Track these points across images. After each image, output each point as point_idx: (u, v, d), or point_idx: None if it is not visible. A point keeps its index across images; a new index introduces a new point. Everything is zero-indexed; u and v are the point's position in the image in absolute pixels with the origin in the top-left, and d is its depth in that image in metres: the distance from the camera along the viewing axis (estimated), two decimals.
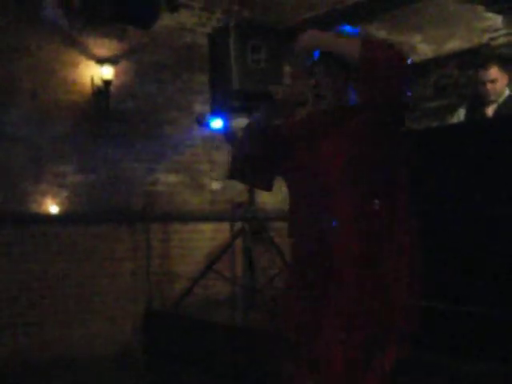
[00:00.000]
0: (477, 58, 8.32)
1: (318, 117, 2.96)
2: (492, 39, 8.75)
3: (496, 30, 8.26)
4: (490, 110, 5.73)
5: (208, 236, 8.06)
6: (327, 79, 2.88)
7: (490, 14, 7.19)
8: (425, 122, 6.73)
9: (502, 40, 8.47)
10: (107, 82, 7.34)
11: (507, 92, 5.73)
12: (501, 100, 5.70)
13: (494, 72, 5.63)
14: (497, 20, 7.22)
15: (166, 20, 7.56)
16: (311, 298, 2.86)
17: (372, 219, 2.80)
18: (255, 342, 5.79)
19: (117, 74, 7.44)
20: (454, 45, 9.16)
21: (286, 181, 3.11)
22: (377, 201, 2.80)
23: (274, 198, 8.54)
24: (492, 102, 5.69)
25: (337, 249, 2.78)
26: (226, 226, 7.58)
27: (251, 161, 3.06)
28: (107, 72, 7.34)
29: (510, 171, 4.25)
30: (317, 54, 2.86)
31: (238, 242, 7.16)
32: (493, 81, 5.62)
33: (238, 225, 7.10)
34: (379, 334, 2.74)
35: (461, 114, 5.95)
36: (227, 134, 6.81)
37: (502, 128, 4.59)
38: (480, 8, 7.00)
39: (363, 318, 2.73)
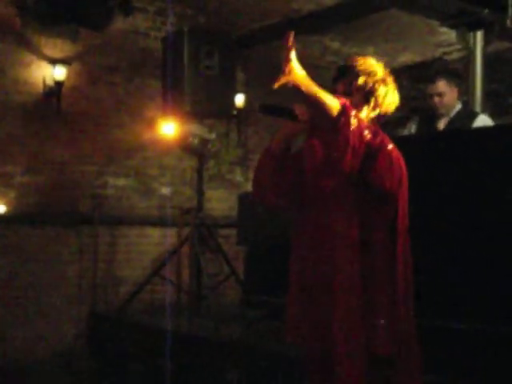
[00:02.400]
0: (430, 71, 8.43)
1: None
2: (445, 54, 8.89)
3: (450, 45, 8.38)
4: (441, 124, 5.77)
5: (155, 241, 8.03)
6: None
7: (444, 29, 7.28)
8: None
9: (455, 55, 8.61)
10: (59, 84, 7.27)
11: (459, 106, 5.78)
12: (452, 114, 5.73)
13: (441, 86, 5.66)
14: (451, 35, 7.31)
15: (120, 23, 7.52)
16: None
17: (370, 248, 2.85)
18: (200, 349, 5.78)
19: (69, 76, 7.37)
20: (406, 58, 9.27)
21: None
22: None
23: (222, 204, 8.56)
24: (442, 115, 5.73)
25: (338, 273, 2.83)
26: (173, 231, 7.53)
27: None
28: (59, 73, 7.27)
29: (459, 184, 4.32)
30: None
31: (186, 248, 7.13)
32: (440, 94, 5.65)
33: (186, 231, 7.08)
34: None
35: (412, 127, 6.00)
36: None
37: (451, 141, 4.67)
38: (434, 22, 7.08)
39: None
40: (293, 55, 2.68)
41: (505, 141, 4.28)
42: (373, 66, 3.02)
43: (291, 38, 2.70)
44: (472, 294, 4.18)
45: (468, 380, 4.02)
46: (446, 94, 5.67)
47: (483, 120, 5.63)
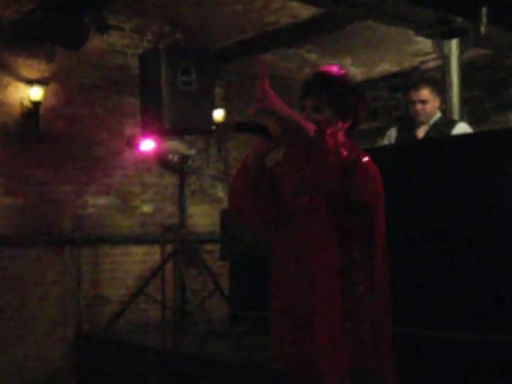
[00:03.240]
0: (407, 80, 8.47)
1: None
2: (422, 63, 8.94)
3: (426, 54, 8.44)
4: (420, 132, 5.75)
5: (139, 259, 7.99)
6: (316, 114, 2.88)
7: (420, 38, 7.32)
8: (360, 144, 6.80)
9: (432, 64, 8.66)
10: (36, 104, 7.25)
11: (438, 114, 5.77)
12: (431, 122, 5.72)
13: (425, 93, 5.66)
14: (427, 44, 7.35)
15: (96, 41, 7.49)
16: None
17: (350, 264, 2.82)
18: (186, 366, 5.76)
19: (46, 96, 7.34)
20: (384, 68, 9.32)
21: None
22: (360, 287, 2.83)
23: (205, 220, 8.54)
24: (422, 123, 5.71)
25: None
26: (157, 248, 7.52)
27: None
28: (36, 93, 7.25)
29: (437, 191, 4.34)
30: None
31: (170, 265, 7.12)
32: (423, 101, 5.64)
33: (169, 247, 7.06)
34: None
35: (391, 136, 6.00)
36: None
37: (431, 149, 4.68)
38: (410, 32, 7.11)
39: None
40: (266, 82, 2.62)
41: (484, 147, 4.32)
42: (339, 77, 2.94)
43: (264, 66, 2.64)
44: (444, 302, 4.21)
45: None
46: (429, 101, 5.67)
47: (462, 128, 5.65)
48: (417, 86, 5.75)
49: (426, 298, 4.28)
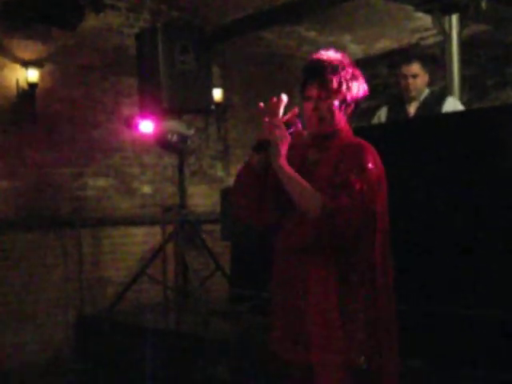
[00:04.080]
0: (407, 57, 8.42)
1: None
2: (422, 39, 8.87)
3: (426, 30, 8.36)
4: (412, 108, 5.86)
5: (139, 240, 7.98)
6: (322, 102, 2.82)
7: (419, 14, 7.26)
8: (355, 122, 6.76)
9: (432, 40, 8.59)
10: (33, 85, 7.21)
11: (427, 91, 5.87)
12: (421, 98, 5.83)
13: (416, 68, 5.78)
14: (426, 20, 7.28)
15: (92, 21, 7.43)
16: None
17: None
18: (188, 346, 5.75)
19: (42, 77, 7.31)
20: (383, 45, 9.25)
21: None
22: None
23: (205, 200, 8.52)
24: (413, 98, 5.82)
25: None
26: (157, 229, 7.50)
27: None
28: (32, 75, 7.21)
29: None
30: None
31: (170, 246, 7.10)
32: (414, 76, 5.76)
33: (170, 228, 7.04)
34: None
35: (381, 116, 6.06)
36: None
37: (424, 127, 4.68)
38: (409, 8, 7.05)
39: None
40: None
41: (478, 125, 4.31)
42: (340, 61, 2.85)
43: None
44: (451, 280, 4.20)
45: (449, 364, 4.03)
46: (420, 76, 5.79)
47: (452, 102, 5.76)
48: (408, 61, 5.87)
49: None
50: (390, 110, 6.03)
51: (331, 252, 2.74)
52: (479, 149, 4.21)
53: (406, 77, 5.78)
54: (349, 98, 2.84)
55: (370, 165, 2.73)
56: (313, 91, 2.83)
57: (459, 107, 5.74)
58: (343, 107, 2.85)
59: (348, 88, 2.83)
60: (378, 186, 2.76)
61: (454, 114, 5.28)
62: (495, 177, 4.12)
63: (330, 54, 2.87)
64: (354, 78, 2.85)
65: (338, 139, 2.84)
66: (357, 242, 2.74)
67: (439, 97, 5.95)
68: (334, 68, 2.82)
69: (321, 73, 2.82)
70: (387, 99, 7.42)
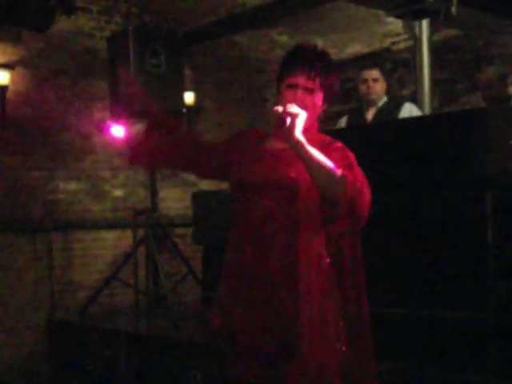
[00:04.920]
0: (378, 61, 8.46)
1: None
2: (393, 44, 8.94)
3: (397, 35, 8.43)
4: (369, 115, 5.96)
5: (111, 244, 7.95)
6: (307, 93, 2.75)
7: (390, 19, 7.31)
8: (328, 125, 6.80)
9: (402, 44, 8.66)
10: (3, 88, 7.14)
11: (385, 98, 5.98)
12: (379, 105, 5.94)
13: (376, 73, 5.92)
14: (397, 24, 7.34)
15: (63, 24, 7.38)
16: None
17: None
18: (160, 349, 5.75)
19: (13, 80, 7.25)
20: (355, 49, 9.30)
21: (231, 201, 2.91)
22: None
23: (177, 203, 8.50)
24: (373, 102, 5.93)
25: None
26: (128, 233, 7.47)
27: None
28: (2, 78, 7.14)
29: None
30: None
31: (142, 249, 7.09)
32: (375, 80, 5.89)
33: (142, 232, 7.02)
34: None
35: (343, 123, 6.16)
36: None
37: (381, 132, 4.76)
38: (381, 13, 7.11)
39: None
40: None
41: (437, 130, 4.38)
42: (331, 61, 2.82)
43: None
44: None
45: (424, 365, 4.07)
46: (380, 81, 5.92)
47: (408, 108, 5.86)
48: (369, 66, 6.07)
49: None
50: (349, 119, 6.14)
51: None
52: (435, 153, 4.28)
53: (366, 81, 5.89)
54: (330, 94, 2.80)
55: (356, 165, 2.69)
56: (300, 79, 2.73)
57: (415, 113, 5.86)
58: (323, 103, 2.79)
59: (332, 85, 2.79)
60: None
61: (409, 120, 5.42)
62: (453, 183, 4.18)
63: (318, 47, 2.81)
64: (336, 76, 2.83)
65: (310, 134, 2.66)
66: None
67: (397, 103, 6.07)
68: (325, 59, 2.78)
69: (312, 61, 2.74)
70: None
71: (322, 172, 2.49)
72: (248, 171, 2.78)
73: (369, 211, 2.60)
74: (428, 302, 4.19)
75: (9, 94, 7.20)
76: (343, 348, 2.68)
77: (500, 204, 3.96)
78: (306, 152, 2.46)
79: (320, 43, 8.78)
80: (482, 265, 3.97)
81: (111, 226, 7.99)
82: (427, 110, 6.37)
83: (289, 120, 2.45)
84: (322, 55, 2.78)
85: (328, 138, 2.80)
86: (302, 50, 2.80)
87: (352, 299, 2.77)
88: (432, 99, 6.57)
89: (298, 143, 2.46)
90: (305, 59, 2.74)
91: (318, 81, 2.72)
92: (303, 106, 2.56)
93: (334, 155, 2.61)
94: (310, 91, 2.73)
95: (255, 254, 2.72)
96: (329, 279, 2.70)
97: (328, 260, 2.72)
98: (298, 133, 2.45)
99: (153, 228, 6.91)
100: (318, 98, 2.76)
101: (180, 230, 7.97)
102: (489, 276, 3.95)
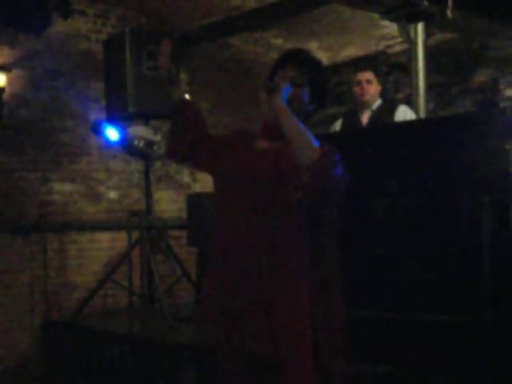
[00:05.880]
0: (374, 64, 8.49)
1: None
2: (388, 47, 8.95)
3: (392, 38, 8.45)
4: (364, 118, 5.95)
5: (105, 245, 7.95)
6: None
7: (386, 22, 7.33)
8: (323, 128, 6.82)
9: (398, 48, 8.68)
10: (0, 90, 7.17)
11: (379, 101, 5.98)
12: (374, 108, 5.93)
13: (370, 74, 5.92)
14: (393, 28, 7.36)
15: (60, 26, 7.39)
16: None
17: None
18: (154, 351, 5.75)
19: (9, 82, 7.26)
20: (350, 52, 9.32)
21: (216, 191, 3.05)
22: None
23: (171, 205, 8.51)
24: (367, 103, 5.93)
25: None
26: (123, 235, 7.50)
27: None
28: None
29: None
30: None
31: (137, 251, 7.10)
32: (368, 81, 5.88)
33: (136, 234, 7.04)
34: None
35: (337, 126, 6.16)
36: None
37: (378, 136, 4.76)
38: (376, 16, 7.13)
39: None
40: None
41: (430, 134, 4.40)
42: (321, 62, 2.96)
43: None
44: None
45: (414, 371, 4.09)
46: (373, 83, 5.92)
47: (403, 110, 5.87)
48: (362, 68, 6.08)
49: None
50: (344, 120, 6.14)
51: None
52: (430, 157, 4.30)
53: (360, 82, 5.89)
54: (319, 93, 2.90)
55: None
56: (288, 72, 2.85)
57: (410, 114, 5.86)
58: (311, 101, 2.89)
59: (320, 84, 2.90)
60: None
61: (404, 123, 5.45)
62: (449, 186, 4.20)
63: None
64: (325, 75, 2.94)
65: None
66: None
67: (391, 105, 6.08)
68: (315, 59, 2.92)
69: (302, 58, 2.89)
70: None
71: (301, 139, 2.61)
72: (231, 167, 2.95)
73: (342, 188, 2.67)
74: (425, 305, 4.19)
75: (5, 96, 7.22)
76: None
77: (497, 207, 3.98)
78: (288, 117, 2.63)
79: (315, 46, 8.83)
80: (479, 269, 3.98)
81: (106, 227, 7.99)
82: (422, 113, 6.39)
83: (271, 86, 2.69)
84: (313, 56, 2.94)
85: None
86: (295, 50, 3.00)
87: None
88: (427, 102, 6.58)
89: (280, 109, 2.64)
90: (296, 56, 2.91)
91: (307, 76, 2.85)
92: (290, 98, 2.73)
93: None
94: (300, 86, 2.84)
95: (237, 233, 2.90)
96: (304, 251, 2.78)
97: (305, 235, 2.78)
98: (282, 100, 2.65)
99: (147, 230, 6.92)
100: (306, 91, 2.86)
101: (174, 232, 7.98)
102: (485, 279, 3.96)
